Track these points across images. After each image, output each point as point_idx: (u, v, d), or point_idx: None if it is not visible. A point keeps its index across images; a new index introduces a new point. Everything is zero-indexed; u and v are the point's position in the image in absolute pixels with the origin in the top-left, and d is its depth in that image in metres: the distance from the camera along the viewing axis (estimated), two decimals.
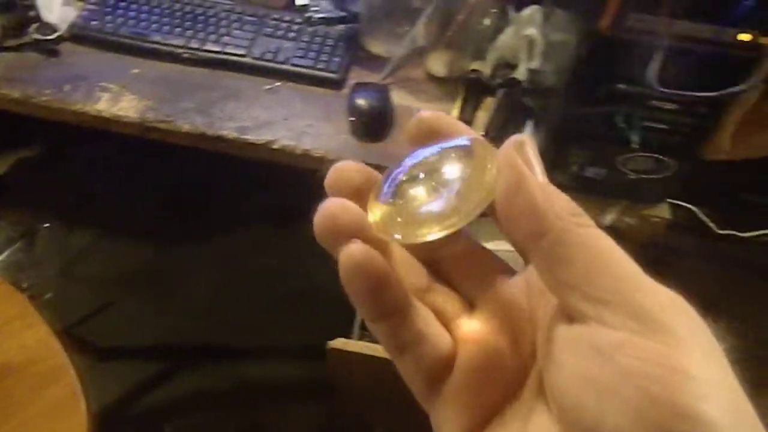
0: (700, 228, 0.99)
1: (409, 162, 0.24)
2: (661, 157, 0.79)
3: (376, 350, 0.87)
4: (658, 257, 1.70)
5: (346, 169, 0.25)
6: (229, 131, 0.91)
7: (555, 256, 0.20)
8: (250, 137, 0.91)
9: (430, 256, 0.26)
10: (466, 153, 0.24)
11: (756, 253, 1.51)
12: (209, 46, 0.99)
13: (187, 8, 1.04)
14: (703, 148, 1.28)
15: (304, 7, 1.05)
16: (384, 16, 1.02)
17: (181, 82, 0.97)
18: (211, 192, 1.72)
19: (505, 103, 0.94)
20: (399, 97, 0.98)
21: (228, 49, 0.99)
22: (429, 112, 0.25)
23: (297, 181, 1.51)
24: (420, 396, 0.24)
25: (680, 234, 1.36)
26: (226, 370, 1.46)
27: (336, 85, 0.98)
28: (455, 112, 0.93)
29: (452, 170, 0.23)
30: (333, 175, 0.24)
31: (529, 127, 0.93)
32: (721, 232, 1.00)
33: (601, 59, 0.69)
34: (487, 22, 0.97)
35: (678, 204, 0.92)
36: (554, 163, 0.84)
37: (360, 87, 0.95)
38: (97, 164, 1.74)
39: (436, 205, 0.23)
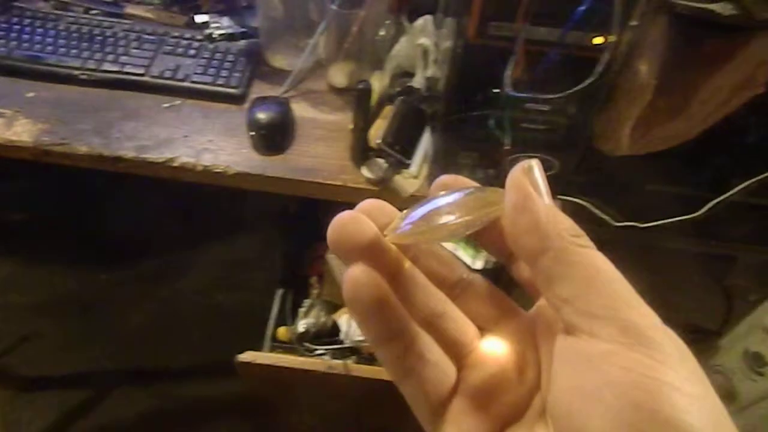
0: (598, 222, 1.03)
1: (426, 205, 0.25)
2: (543, 156, 0.82)
3: (286, 361, 0.88)
4: None
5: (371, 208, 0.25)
6: (127, 151, 0.90)
7: (554, 272, 0.21)
8: (149, 156, 0.90)
9: (448, 278, 0.27)
10: (478, 190, 0.25)
11: (664, 240, 1.58)
12: (107, 67, 0.99)
13: (85, 29, 1.03)
14: (603, 146, 1.34)
15: (205, 24, 1.05)
16: (284, 30, 1.03)
17: (78, 104, 0.96)
18: (128, 219, 1.69)
19: (403, 110, 0.96)
20: (301, 109, 0.99)
21: (126, 69, 0.98)
22: (447, 176, 0.27)
23: (209, 205, 1.53)
24: (423, 419, 0.25)
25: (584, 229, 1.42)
26: (151, 395, 1.44)
27: (237, 100, 0.99)
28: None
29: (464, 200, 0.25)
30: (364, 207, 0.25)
31: (426, 133, 0.96)
32: (617, 224, 1.04)
33: (473, 65, 0.71)
34: (382, 32, 0.99)
35: (572, 200, 0.95)
36: (446, 167, 0.87)
37: (260, 101, 0.96)
38: (17, 194, 1.69)
39: (450, 218, 0.24)
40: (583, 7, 0.57)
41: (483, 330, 0.26)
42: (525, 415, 0.24)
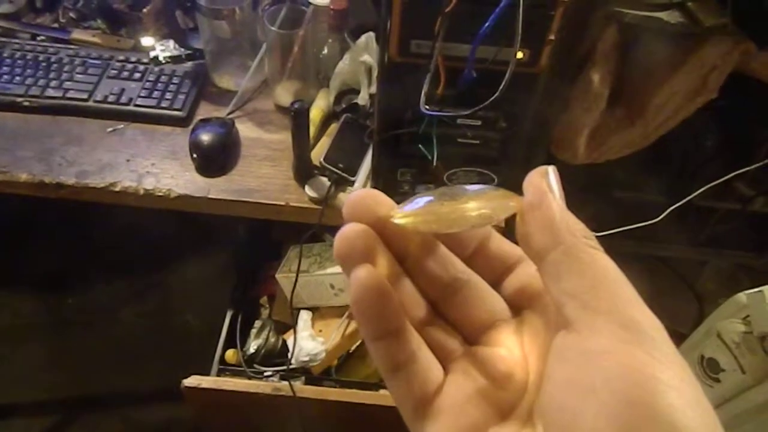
0: None
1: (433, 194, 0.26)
2: (481, 170, 0.82)
3: (232, 384, 0.87)
4: None
5: (366, 196, 0.26)
6: (68, 177, 0.90)
7: (563, 266, 0.22)
8: (91, 182, 0.90)
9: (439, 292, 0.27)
10: (491, 188, 0.26)
11: (626, 247, 1.59)
12: (50, 92, 0.98)
13: (29, 56, 1.03)
14: (561, 155, 1.34)
15: (151, 48, 1.05)
16: (230, 51, 1.03)
17: (20, 131, 0.96)
18: (84, 244, 1.69)
19: (347, 127, 0.96)
20: (246, 129, 0.99)
21: (70, 94, 0.98)
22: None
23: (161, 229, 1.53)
24: (407, 415, 0.25)
25: None
26: (115, 420, 1.43)
27: (182, 122, 0.99)
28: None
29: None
30: (352, 202, 0.25)
31: (370, 149, 0.95)
32: None
33: (399, 83, 0.71)
34: (325, 51, 1.00)
35: None
36: (387, 183, 0.86)
37: (203, 123, 0.95)
38: None
39: (467, 207, 0.25)
40: (486, 25, 0.57)
41: (470, 338, 0.27)
42: (511, 417, 0.24)
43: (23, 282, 1.63)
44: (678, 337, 1.66)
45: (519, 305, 0.27)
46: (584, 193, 1.59)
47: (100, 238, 1.68)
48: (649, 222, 1.29)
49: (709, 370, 1.01)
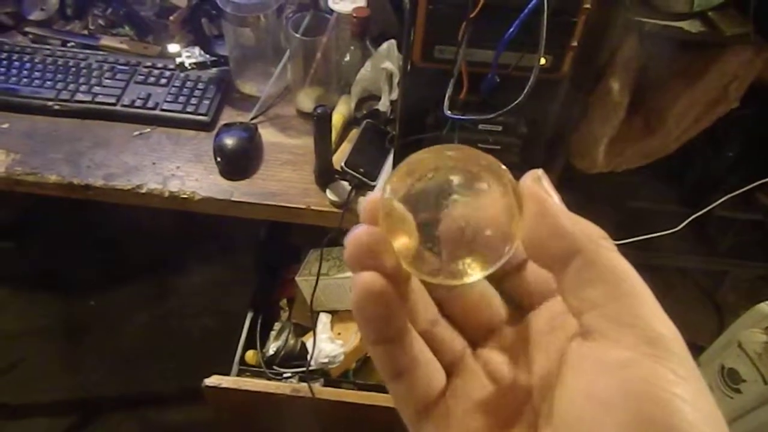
0: None
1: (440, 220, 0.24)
2: None
3: (252, 385, 0.89)
4: None
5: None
6: (96, 179, 0.92)
7: (584, 275, 0.22)
8: (117, 184, 0.92)
9: (444, 293, 0.27)
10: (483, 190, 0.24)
11: (646, 257, 1.58)
12: (80, 97, 1.01)
13: (60, 61, 1.06)
14: (580, 163, 1.34)
15: (177, 54, 1.08)
16: (253, 58, 1.05)
17: (50, 134, 0.98)
18: (107, 244, 1.72)
19: (368, 133, 0.97)
20: (268, 134, 1.01)
21: (98, 99, 1.01)
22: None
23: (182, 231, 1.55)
24: (408, 418, 0.25)
25: None
26: (137, 421, 1.45)
27: (206, 126, 1.00)
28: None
29: (476, 210, 0.24)
30: (368, 207, 0.25)
31: (390, 154, 0.97)
32: None
33: (422, 88, 0.73)
34: (348, 58, 1.01)
35: None
36: None
37: (226, 127, 0.97)
38: (4, 222, 1.73)
39: (470, 247, 0.24)
40: (511, 31, 0.58)
41: (474, 340, 0.27)
42: (516, 424, 0.24)
43: (43, 285, 1.65)
44: (697, 349, 1.64)
45: (522, 306, 0.27)
46: (600, 202, 1.59)
47: (119, 241, 1.71)
48: (669, 231, 1.29)
49: (729, 380, 1.00)
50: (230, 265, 1.67)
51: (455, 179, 0.24)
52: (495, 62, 0.62)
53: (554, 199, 0.23)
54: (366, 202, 0.25)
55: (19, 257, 1.68)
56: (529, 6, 0.54)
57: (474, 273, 0.24)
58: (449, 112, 0.64)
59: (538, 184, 0.24)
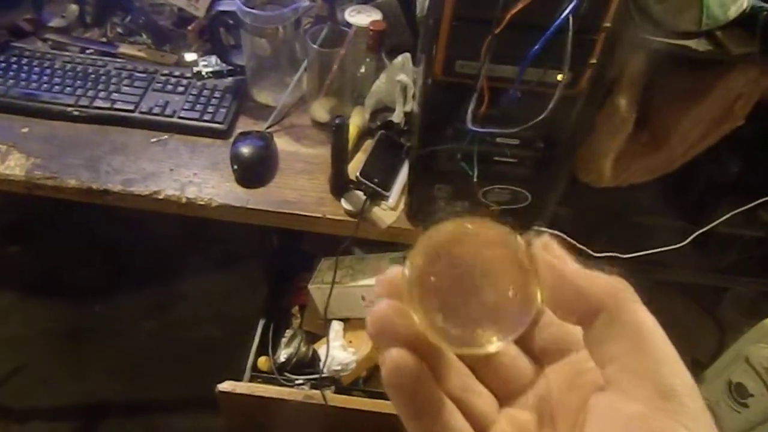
0: (578, 252, 1.04)
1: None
2: (516, 188, 0.84)
3: (265, 391, 0.89)
4: None
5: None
6: (114, 184, 0.93)
7: (607, 331, 0.22)
8: (135, 189, 0.93)
9: (472, 360, 0.27)
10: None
11: (650, 272, 1.59)
12: (99, 103, 1.02)
13: (79, 68, 1.07)
14: (586, 177, 1.36)
15: (194, 63, 1.09)
16: (269, 68, 1.07)
17: (69, 139, 0.99)
18: (117, 251, 1.72)
19: (382, 144, 0.99)
20: (283, 144, 1.02)
21: (117, 105, 1.02)
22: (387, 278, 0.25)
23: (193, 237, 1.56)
24: None
25: None
26: (141, 427, 1.45)
27: (222, 134, 1.02)
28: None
29: (496, 282, 0.25)
30: (389, 281, 0.25)
31: (404, 166, 0.98)
32: (598, 255, 1.05)
33: (442, 101, 0.74)
34: (363, 69, 1.03)
35: (549, 231, 0.97)
36: (423, 199, 0.89)
37: (243, 136, 0.99)
38: (11, 227, 1.73)
39: (492, 318, 0.24)
40: (536, 47, 0.59)
41: (503, 396, 0.27)
42: None
43: (49, 289, 1.66)
44: (697, 365, 1.65)
45: (541, 360, 0.27)
46: (603, 216, 1.60)
47: (126, 247, 1.72)
48: (674, 247, 1.30)
49: (737, 395, 1.01)
50: (236, 273, 1.68)
51: (475, 254, 0.25)
52: (519, 78, 0.64)
53: (568, 263, 0.24)
54: (387, 277, 0.25)
55: (25, 261, 1.68)
56: (555, 24, 0.56)
57: (498, 342, 0.25)
58: (472, 125, 0.65)
59: (549, 250, 0.24)
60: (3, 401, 1.42)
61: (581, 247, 1.04)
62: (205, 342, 1.58)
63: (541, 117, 0.60)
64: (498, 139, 0.78)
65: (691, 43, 1.12)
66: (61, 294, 1.64)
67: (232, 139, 1.01)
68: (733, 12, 1.05)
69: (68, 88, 1.04)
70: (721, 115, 1.25)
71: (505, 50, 0.66)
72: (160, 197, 0.93)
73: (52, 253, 1.69)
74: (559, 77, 0.68)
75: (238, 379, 0.94)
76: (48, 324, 1.60)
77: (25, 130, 1.00)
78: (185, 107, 1.03)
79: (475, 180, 0.76)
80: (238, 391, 0.88)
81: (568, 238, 1.02)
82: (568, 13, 0.55)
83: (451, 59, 0.69)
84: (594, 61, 0.66)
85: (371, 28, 0.98)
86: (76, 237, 1.69)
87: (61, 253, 1.69)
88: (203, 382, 1.48)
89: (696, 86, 1.23)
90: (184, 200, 0.93)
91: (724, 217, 1.34)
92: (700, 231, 1.32)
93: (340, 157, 0.90)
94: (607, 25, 0.63)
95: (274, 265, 1.21)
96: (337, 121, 0.85)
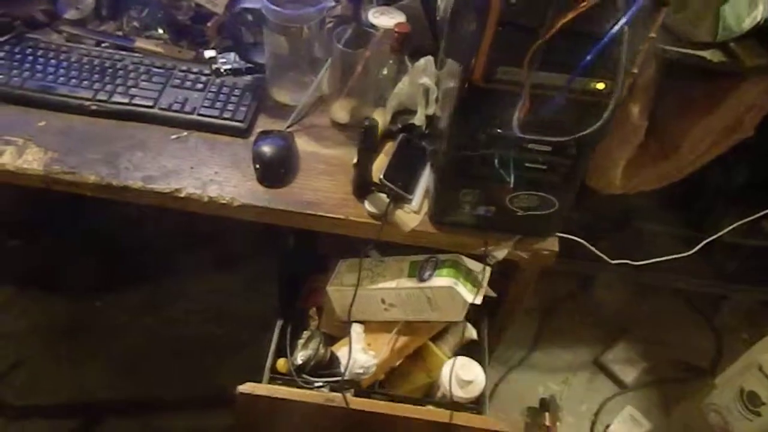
0: (596, 258, 1.05)
1: None
2: (544, 194, 0.85)
3: (285, 393, 0.89)
4: (578, 287, 1.79)
5: None
6: (135, 181, 0.92)
7: None
8: (156, 186, 0.92)
9: None
10: None
11: (656, 278, 1.61)
12: (117, 98, 1.01)
13: (96, 61, 1.05)
14: (596, 184, 1.37)
15: (212, 59, 1.08)
16: (289, 67, 1.06)
17: (87, 134, 0.98)
18: (124, 246, 1.70)
19: (405, 147, 0.99)
20: (303, 144, 1.02)
21: (135, 101, 1.01)
22: None
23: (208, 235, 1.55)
24: None
25: (581, 265, 1.44)
26: (143, 426, 1.44)
27: (243, 133, 1.01)
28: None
29: None
30: None
31: (427, 169, 0.98)
32: (613, 261, 1.06)
33: (478, 106, 0.74)
34: (385, 71, 1.03)
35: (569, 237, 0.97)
36: (448, 203, 0.89)
37: (264, 135, 0.98)
38: (11, 222, 1.70)
39: None
40: (590, 56, 0.59)
41: None
42: None
43: (49, 284, 1.63)
44: (695, 370, 1.68)
45: None
46: (607, 223, 1.62)
47: (127, 244, 1.70)
48: (681, 255, 1.31)
49: (749, 403, 1.03)
50: (235, 271, 1.67)
51: None
52: (568, 86, 0.64)
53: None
54: None
55: (24, 257, 1.66)
56: (611, 34, 0.57)
57: None
58: (519, 132, 0.66)
59: None
60: (2, 397, 1.39)
61: (599, 254, 1.05)
62: (206, 340, 1.56)
63: (596, 126, 0.61)
64: (530, 146, 0.78)
65: (706, 54, 1.13)
66: (61, 290, 1.61)
67: (251, 138, 1.00)
68: (748, 24, 1.06)
69: (86, 82, 1.02)
70: (731, 125, 1.26)
71: (550, 57, 0.66)
72: (182, 195, 0.92)
73: (52, 248, 1.66)
74: (600, 86, 0.68)
75: (255, 380, 0.93)
76: (47, 319, 1.57)
77: (42, 123, 0.99)
78: (205, 104, 1.02)
79: (511, 186, 0.77)
80: (258, 392, 0.87)
81: (587, 244, 1.03)
82: (624, 23, 0.56)
83: (493, 66, 0.69)
84: (635, 70, 0.67)
85: (396, 30, 0.98)
86: (77, 232, 1.67)
87: (61, 249, 1.66)
88: (203, 379, 1.47)
89: (708, 96, 1.25)
90: (206, 199, 0.92)
91: (731, 227, 1.36)
92: (708, 239, 1.33)
93: (367, 159, 0.89)
94: (653, 35, 0.63)
95: (287, 266, 1.20)
96: (367, 123, 0.85)
